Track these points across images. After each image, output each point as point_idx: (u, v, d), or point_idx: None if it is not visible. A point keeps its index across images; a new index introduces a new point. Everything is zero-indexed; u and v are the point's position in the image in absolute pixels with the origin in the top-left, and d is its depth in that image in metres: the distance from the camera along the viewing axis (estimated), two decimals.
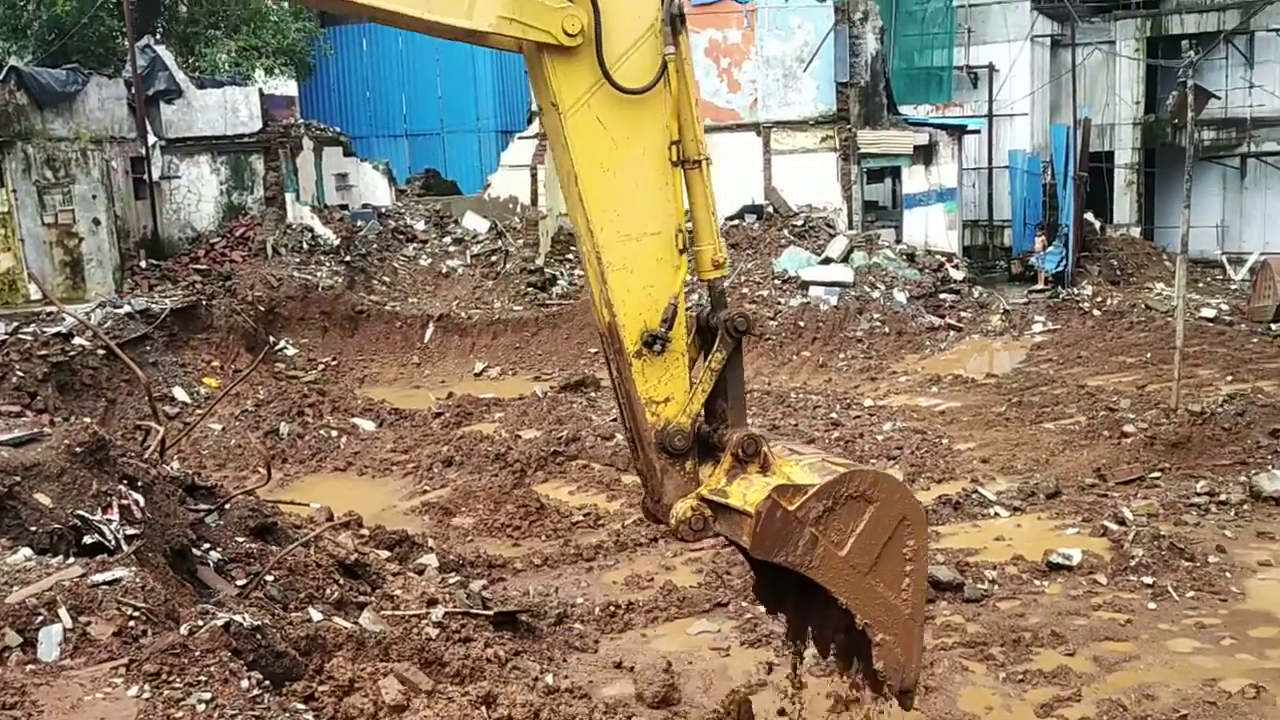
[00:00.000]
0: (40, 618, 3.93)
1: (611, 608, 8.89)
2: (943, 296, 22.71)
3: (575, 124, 4.84)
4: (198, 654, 3.79)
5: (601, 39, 4.75)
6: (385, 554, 9.15)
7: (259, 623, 4.29)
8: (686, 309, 5.28)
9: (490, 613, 7.98)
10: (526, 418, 15.68)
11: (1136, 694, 7.26)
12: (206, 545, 7.09)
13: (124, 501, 6.08)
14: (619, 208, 5.01)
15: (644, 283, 5.10)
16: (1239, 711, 7.06)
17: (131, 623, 3.94)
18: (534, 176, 24.97)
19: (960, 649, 7.97)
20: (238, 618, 4.18)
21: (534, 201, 24.99)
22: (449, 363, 20.22)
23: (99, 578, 4.17)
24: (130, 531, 5.91)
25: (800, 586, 5.59)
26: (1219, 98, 26.28)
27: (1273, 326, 19.59)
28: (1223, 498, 10.85)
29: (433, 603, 7.80)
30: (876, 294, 21.82)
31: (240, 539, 7.53)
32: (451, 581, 8.71)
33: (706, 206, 5.20)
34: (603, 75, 4.78)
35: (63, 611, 3.92)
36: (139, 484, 6.47)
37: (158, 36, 24.01)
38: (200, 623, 4.06)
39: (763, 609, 8.65)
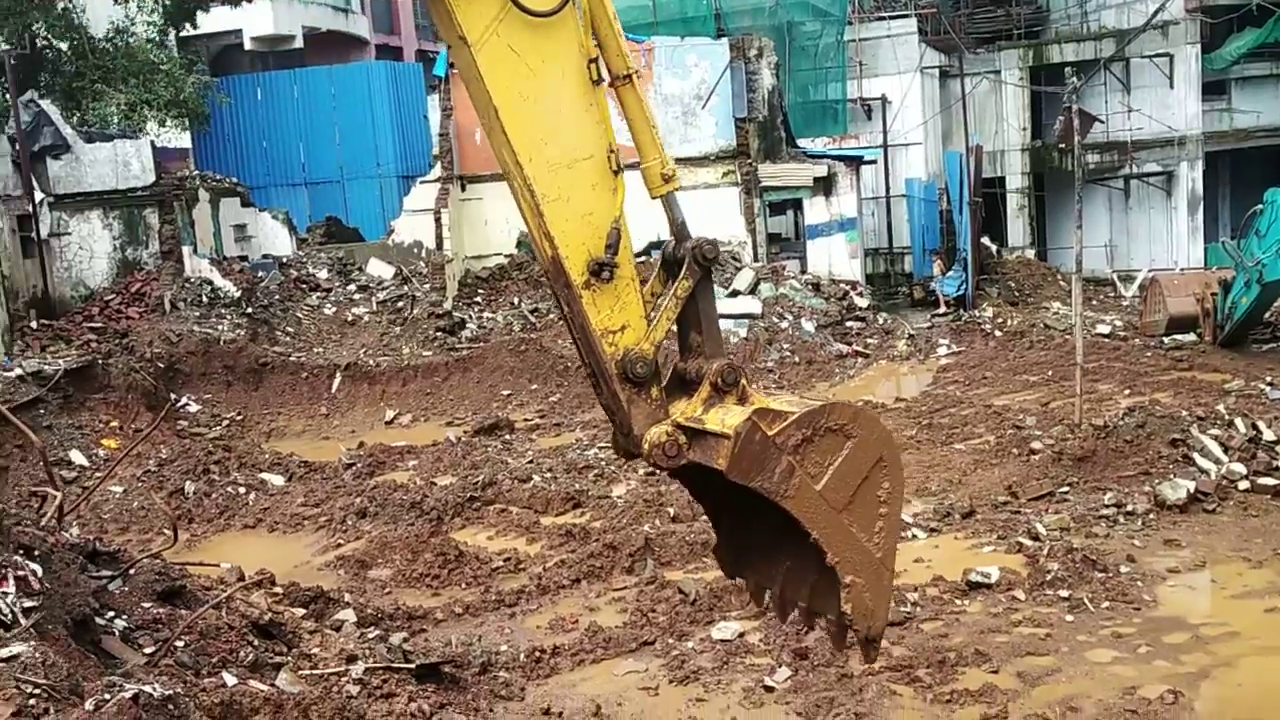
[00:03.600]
0: None
1: (536, 653, 8.73)
2: (849, 324, 23.09)
3: (487, 56, 4.63)
4: None
5: None
6: (300, 612, 8.86)
7: (170, 692, 4.08)
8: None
9: (412, 666, 7.78)
10: (441, 464, 15.44)
11: (1061, 707, 7.37)
12: (111, 613, 6.78)
13: (20, 573, 5.79)
14: (545, 136, 4.80)
15: (582, 211, 4.91)
16: (1159, 718, 7.19)
17: (32, 701, 3.70)
18: (438, 220, 24.81)
19: (887, 672, 7.99)
20: (147, 688, 3.97)
21: (439, 245, 24.81)
22: (358, 412, 19.83)
23: None
24: (28, 604, 5.62)
25: (763, 545, 5.50)
26: (1103, 121, 27.38)
27: (1164, 340, 20.26)
28: (1129, 508, 11.12)
29: (352, 659, 7.57)
30: (785, 324, 22.07)
31: (147, 604, 7.22)
32: (371, 636, 8.47)
33: (644, 119, 5.03)
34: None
35: None
36: (36, 553, 6.18)
37: (41, 91, 23.36)
38: (107, 696, 3.83)
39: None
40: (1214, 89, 32.76)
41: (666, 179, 5.09)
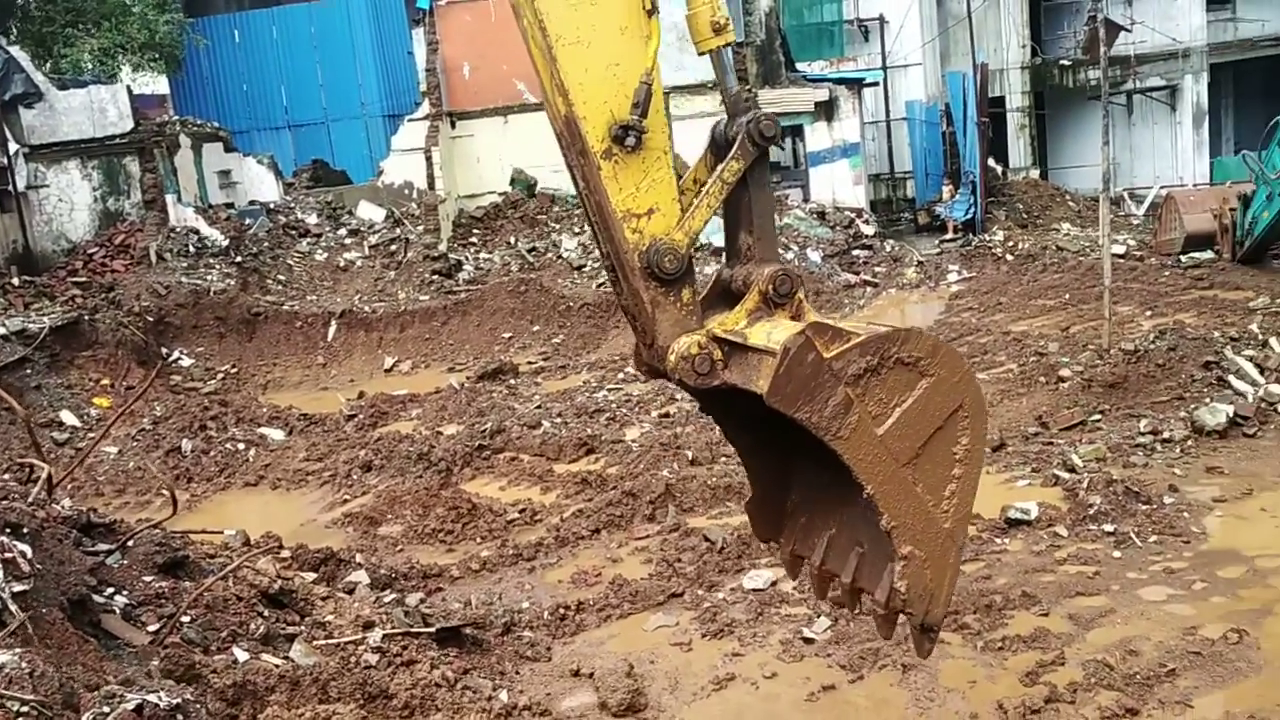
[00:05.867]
0: None
1: (560, 610, 8.30)
2: (856, 253, 22.53)
3: None
4: None
5: None
6: (310, 576, 8.41)
7: (178, 700, 3.62)
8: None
9: (432, 630, 7.36)
10: (446, 412, 14.95)
11: (1120, 651, 6.94)
12: (110, 590, 6.32)
13: (8, 555, 5.31)
14: None
15: (606, 60, 4.01)
16: (1225, 659, 6.77)
17: None
18: (429, 159, 24.04)
19: None
20: (151, 696, 3.51)
21: (431, 185, 24.06)
22: (356, 360, 19.32)
23: None
24: (18, 588, 5.15)
25: (806, 506, 4.80)
26: (1129, 30, 26.44)
27: (1182, 259, 19.75)
28: (1166, 435, 10.68)
29: (369, 625, 7.14)
30: (790, 255, 21.49)
31: (148, 578, 6.76)
32: (386, 600, 8.05)
33: None
34: None
35: None
36: (24, 531, 5.70)
37: (11, 37, 22.47)
38: (106, 709, 3.37)
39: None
40: None
41: (718, 29, 4.21)
